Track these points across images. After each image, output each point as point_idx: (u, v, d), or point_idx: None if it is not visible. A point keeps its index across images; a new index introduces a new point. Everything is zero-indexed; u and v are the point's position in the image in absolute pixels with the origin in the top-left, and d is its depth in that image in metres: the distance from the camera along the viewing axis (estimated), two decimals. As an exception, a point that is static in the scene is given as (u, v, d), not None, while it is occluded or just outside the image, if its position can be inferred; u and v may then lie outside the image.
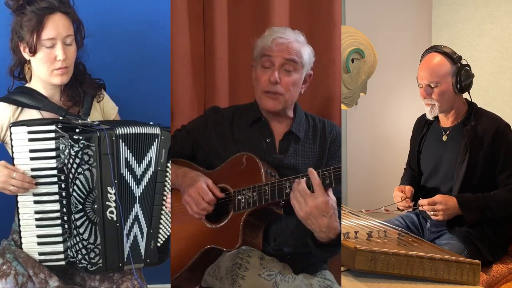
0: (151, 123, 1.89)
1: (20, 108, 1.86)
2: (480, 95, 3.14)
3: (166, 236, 1.92)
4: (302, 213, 1.64)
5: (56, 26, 1.80)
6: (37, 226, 1.78)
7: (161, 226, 1.92)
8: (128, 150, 1.82)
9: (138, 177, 1.85)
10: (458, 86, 2.18)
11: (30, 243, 1.78)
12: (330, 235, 1.65)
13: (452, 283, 1.84)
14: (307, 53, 1.89)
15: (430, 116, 2.28)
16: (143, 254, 1.89)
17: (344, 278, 1.87)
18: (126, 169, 1.82)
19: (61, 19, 1.81)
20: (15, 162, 1.76)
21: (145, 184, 1.87)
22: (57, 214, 1.78)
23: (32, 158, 1.76)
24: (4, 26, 1.89)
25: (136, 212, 1.86)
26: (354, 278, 1.86)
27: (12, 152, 1.77)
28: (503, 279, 2.17)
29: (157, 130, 1.88)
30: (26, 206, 1.77)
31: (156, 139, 1.88)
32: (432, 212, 2.18)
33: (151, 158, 1.87)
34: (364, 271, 1.83)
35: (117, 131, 1.79)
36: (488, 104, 3.09)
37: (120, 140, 1.80)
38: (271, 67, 1.85)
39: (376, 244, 1.93)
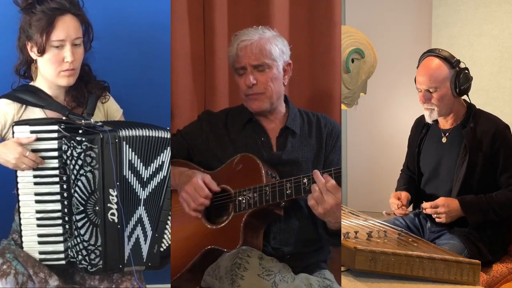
0: (168, 128, 1.87)
1: (24, 106, 1.85)
2: (480, 95, 3.14)
3: (170, 242, 1.90)
4: (322, 210, 1.67)
5: (66, 28, 1.79)
6: (38, 226, 1.78)
7: (166, 231, 1.90)
8: (133, 153, 1.80)
9: (145, 179, 1.83)
10: (457, 90, 2.17)
11: (30, 242, 1.78)
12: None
13: (452, 283, 1.84)
14: (276, 46, 1.90)
15: (429, 120, 2.27)
16: (144, 257, 1.87)
17: (344, 278, 1.87)
18: (130, 172, 1.80)
19: (72, 21, 1.81)
20: None
21: (153, 187, 1.85)
22: (58, 214, 1.78)
23: None
24: (7, 25, 1.88)
25: (140, 215, 1.84)
26: (354, 278, 1.86)
27: (14, 151, 1.76)
28: (503, 279, 2.17)
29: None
30: (28, 205, 1.77)
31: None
32: (435, 215, 2.19)
33: (162, 162, 1.85)
34: (364, 271, 1.82)
35: (121, 133, 1.78)
36: (488, 104, 3.10)
37: (124, 142, 1.78)
38: (245, 72, 1.89)
39: (376, 244, 1.92)
